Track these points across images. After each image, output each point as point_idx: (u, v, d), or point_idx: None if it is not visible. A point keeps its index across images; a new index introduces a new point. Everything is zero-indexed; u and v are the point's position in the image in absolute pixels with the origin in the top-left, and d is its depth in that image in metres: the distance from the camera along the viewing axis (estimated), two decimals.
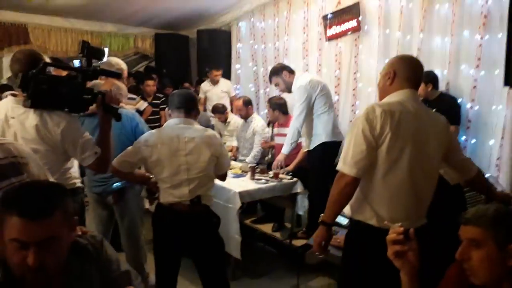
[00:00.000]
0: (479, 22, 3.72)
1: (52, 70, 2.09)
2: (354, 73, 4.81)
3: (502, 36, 3.53)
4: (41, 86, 1.90)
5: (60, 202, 1.10)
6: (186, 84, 6.57)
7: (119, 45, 6.57)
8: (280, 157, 3.77)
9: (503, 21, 3.52)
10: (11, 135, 1.97)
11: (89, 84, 2.16)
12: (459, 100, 3.86)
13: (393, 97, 1.85)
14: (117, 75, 2.22)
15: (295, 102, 3.70)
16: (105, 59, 2.19)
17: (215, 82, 6.03)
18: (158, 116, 5.87)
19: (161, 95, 5.95)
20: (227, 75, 6.57)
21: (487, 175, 3.14)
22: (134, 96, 5.57)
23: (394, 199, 1.79)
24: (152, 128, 5.81)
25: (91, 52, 2.08)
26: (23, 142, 1.95)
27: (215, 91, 6.00)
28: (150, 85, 5.78)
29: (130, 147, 2.34)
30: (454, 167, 1.96)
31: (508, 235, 1.18)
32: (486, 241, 1.19)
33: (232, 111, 5.53)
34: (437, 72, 3.97)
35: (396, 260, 1.26)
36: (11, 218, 1.03)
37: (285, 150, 3.74)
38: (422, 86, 3.74)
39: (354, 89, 4.83)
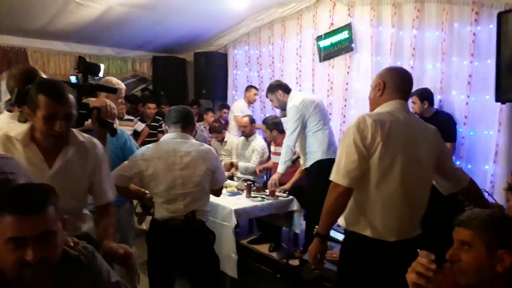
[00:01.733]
0: (468, 48, 3.86)
1: None
2: (345, 98, 4.92)
3: (491, 62, 3.61)
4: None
5: (51, 198, 1.12)
6: None
7: (117, 68, 6.66)
8: (275, 176, 3.77)
9: (491, 47, 3.61)
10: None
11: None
12: None
13: (384, 108, 1.88)
14: (113, 90, 2.26)
15: (288, 121, 3.74)
16: (101, 74, 2.23)
17: (252, 102, 5.96)
18: (156, 138, 5.89)
19: (159, 118, 6.00)
20: (223, 96, 6.66)
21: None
22: (131, 117, 5.63)
23: (387, 208, 1.79)
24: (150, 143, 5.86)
25: (87, 67, 2.13)
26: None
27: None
28: (151, 108, 5.83)
29: (126, 162, 2.35)
30: (446, 177, 1.97)
31: (498, 240, 1.19)
32: (476, 244, 1.19)
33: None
34: None
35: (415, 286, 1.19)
36: (3, 219, 1.04)
37: (280, 169, 3.75)
38: (418, 103, 3.82)
39: (344, 107, 4.91)
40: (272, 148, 4.40)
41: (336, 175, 1.79)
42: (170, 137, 2.39)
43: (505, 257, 1.17)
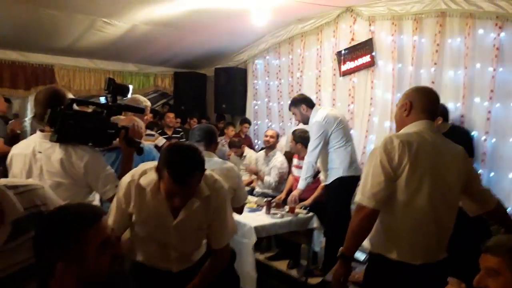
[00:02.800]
0: (491, 54, 3.78)
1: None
2: (369, 105, 4.86)
3: None
4: (68, 121, 1.99)
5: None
6: (203, 121, 6.70)
7: (139, 83, 6.82)
8: (295, 193, 3.75)
9: None
10: (37, 169, 2.04)
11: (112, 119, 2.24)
12: (473, 133, 3.85)
13: (411, 128, 1.86)
14: (140, 110, 2.32)
15: (311, 136, 3.75)
16: (129, 95, 2.29)
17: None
18: None
19: (180, 129, 6.09)
20: (242, 110, 6.72)
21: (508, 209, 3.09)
22: (152, 132, 5.73)
23: (414, 231, 1.76)
24: None
25: (116, 88, 2.19)
26: (48, 176, 2.04)
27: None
28: (171, 116, 5.96)
29: None
30: (473, 198, 1.92)
31: None
32: (503, 271, 1.16)
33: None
34: (451, 105, 4.00)
35: None
36: None
37: (300, 185, 3.74)
38: None
39: (367, 121, 4.87)
40: (295, 161, 4.35)
41: (362, 196, 1.77)
42: None
43: None
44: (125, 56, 6.27)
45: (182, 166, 1.61)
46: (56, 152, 2.02)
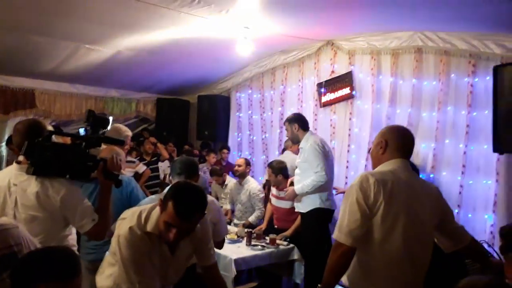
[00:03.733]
0: (465, 98, 3.99)
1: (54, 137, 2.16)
2: (348, 143, 4.98)
3: (488, 112, 3.71)
4: (46, 153, 1.96)
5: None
6: (186, 146, 6.68)
7: (121, 109, 6.77)
8: (291, 192, 3.74)
9: (488, 97, 3.70)
10: (12, 202, 2.00)
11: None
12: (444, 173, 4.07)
13: (386, 166, 1.91)
14: (120, 142, 2.30)
15: (311, 159, 3.69)
16: (109, 127, 2.29)
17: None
18: (158, 173, 5.93)
19: (158, 152, 6.07)
20: (225, 138, 6.74)
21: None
22: (133, 159, 5.68)
23: (390, 268, 1.79)
24: (152, 187, 5.86)
25: (96, 120, 2.18)
26: (23, 209, 1.99)
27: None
28: (150, 142, 5.92)
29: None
30: (448, 235, 1.97)
31: None
32: None
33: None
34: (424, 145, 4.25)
35: None
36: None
37: (298, 190, 3.69)
38: None
39: (347, 152, 4.96)
40: (274, 190, 4.34)
41: (339, 233, 1.79)
42: None
43: None
44: (107, 82, 6.25)
45: (189, 202, 1.72)
46: (32, 185, 1.99)
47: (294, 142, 3.98)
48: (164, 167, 6.07)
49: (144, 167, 5.70)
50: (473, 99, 3.97)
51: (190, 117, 7.29)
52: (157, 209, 1.83)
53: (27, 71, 5.40)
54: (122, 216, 2.00)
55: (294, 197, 3.77)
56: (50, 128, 2.13)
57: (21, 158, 2.04)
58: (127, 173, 5.44)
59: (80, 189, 2.14)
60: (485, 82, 3.88)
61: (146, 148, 5.91)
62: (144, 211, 1.88)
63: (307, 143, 3.75)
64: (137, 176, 5.68)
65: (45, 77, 5.68)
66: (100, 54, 4.95)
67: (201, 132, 6.87)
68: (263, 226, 4.21)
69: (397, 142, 1.94)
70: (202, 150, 6.74)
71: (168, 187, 2.49)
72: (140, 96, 7.00)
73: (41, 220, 1.99)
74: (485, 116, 3.83)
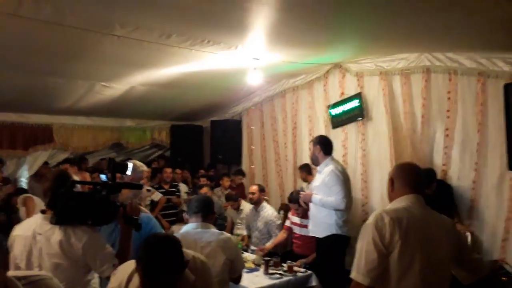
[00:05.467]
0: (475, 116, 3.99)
1: (79, 186, 2.26)
2: (362, 163, 4.97)
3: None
4: (68, 203, 2.05)
5: None
6: (203, 179, 6.58)
7: (136, 138, 6.94)
8: (308, 196, 3.77)
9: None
10: (37, 251, 2.08)
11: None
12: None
13: (399, 203, 1.94)
14: (139, 186, 2.38)
15: (330, 184, 3.67)
16: (129, 172, 2.37)
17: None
18: (174, 204, 5.99)
19: (177, 183, 6.14)
20: (238, 160, 6.82)
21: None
22: (149, 187, 5.76)
23: None
24: (166, 217, 5.90)
25: (115, 167, 2.27)
26: (47, 257, 2.07)
27: None
28: (168, 172, 6.01)
29: None
30: (465, 267, 1.97)
31: None
32: None
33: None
34: None
35: None
36: None
37: (316, 200, 3.69)
38: None
39: (362, 173, 4.95)
40: (297, 219, 4.32)
41: (357, 274, 1.81)
42: (191, 227, 2.47)
43: None
44: (122, 113, 6.43)
45: (155, 259, 1.52)
46: (56, 234, 2.07)
47: (313, 164, 3.99)
48: (183, 189, 6.18)
49: (160, 195, 5.78)
50: (482, 117, 3.95)
51: (204, 141, 7.41)
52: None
53: (45, 108, 5.61)
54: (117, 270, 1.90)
55: (308, 200, 3.79)
56: (76, 178, 2.22)
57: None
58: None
59: (101, 235, 2.21)
60: (495, 100, 3.86)
61: (164, 177, 5.99)
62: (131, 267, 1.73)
63: (326, 166, 3.75)
64: (153, 204, 5.77)
65: (62, 113, 5.88)
66: (114, 90, 5.12)
67: (215, 155, 6.96)
68: (268, 247, 4.21)
69: (402, 178, 1.97)
70: (208, 170, 6.81)
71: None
72: (155, 124, 7.16)
73: (64, 268, 2.06)
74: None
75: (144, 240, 1.65)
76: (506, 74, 3.78)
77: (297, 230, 4.28)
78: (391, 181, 1.99)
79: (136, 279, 1.66)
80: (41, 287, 1.42)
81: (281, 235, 4.44)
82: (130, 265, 1.78)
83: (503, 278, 2.90)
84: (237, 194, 5.55)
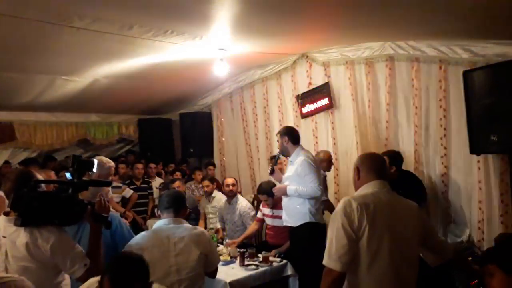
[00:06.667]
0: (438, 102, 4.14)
1: (43, 185, 2.18)
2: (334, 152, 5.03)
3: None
4: (32, 204, 1.97)
5: None
6: (177, 174, 6.54)
7: (103, 133, 6.74)
8: (282, 189, 3.74)
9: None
10: (2, 254, 2.00)
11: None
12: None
13: (365, 189, 2.00)
14: (107, 183, 2.32)
15: (303, 173, 3.65)
16: (94, 169, 2.31)
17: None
18: (147, 200, 5.90)
19: (149, 180, 6.05)
20: (210, 153, 6.78)
21: None
22: (119, 184, 5.64)
23: None
24: (140, 213, 5.81)
25: (80, 165, 2.20)
26: (14, 261, 2.00)
27: None
28: (139, 168, 5.91)
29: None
30: (432, 250, 2.06)
31: None
32: None
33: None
34: None
35: None
36: None
37: (291, 191, 3.67)
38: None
39: (334, 161, 5.04)
40: (268, 211, 4.31)
41: (329, 260, 1.85)
42: (163, 223, 2.43)
43: None
44: (87, 107, 6.22)
45: (126, 270, 1.60)
46: (21, 236, 1.99)
47: (283, 155, 3.98)
48: (155, 185, 6.09)
49: (131, 192, 5.68)
50: (446, 103, 4.10)
51: (174, 134, 7.30)
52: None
53: (4, 105, 5.34)
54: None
55: (282, 194, 3.77)
56: (40, 177, 2.13)
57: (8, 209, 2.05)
58: (114, 198, 5.42)
59: (69, 235, 2.15)
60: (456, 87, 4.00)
61: (136, 173, 5.88)
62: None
63: (297, 156, 3.77)
64: (124, 200, 5.66)
65: (23, 109, 5.63)
66: (77, 84, 4.95)
67: (186, 149, 6.89)
68: (238, 241, 4.24)
69: (367, 165, 2.05)
70: (180, 165, 6.75)
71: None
72: (121, 118, 6.98)
73: (32, 271, 1.99)
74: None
75: (111, 258, 1.68)
76: (465, 61, 3.94)
77: (269, 221, 4.31)
78: (357, 170, 2.06)
79: None
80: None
81: (252, 227, 4.44)
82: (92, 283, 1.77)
83: (469, 258, 3.05)
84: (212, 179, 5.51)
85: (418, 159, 4.32)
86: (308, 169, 3.64)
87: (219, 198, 5.25)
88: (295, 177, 3.72)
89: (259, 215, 4.44)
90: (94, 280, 1.79)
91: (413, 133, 4.35)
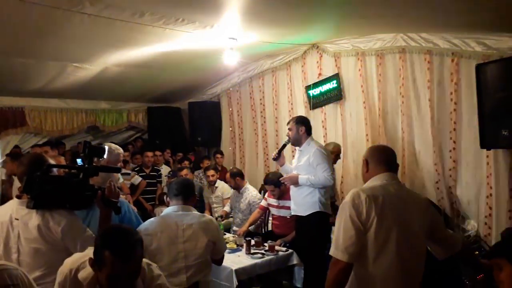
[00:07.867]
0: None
1: (55, 170, 2.21)
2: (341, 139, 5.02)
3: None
4: (45, 187, 2.01)
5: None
6: (180, 154, 6.65)
7: (112, 120, 6.79)
8: (294, 177, 3.73)
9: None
10: (15, 236, 2.05)
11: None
12: None
13: (376, 181, 1.99)
14: (117, 170, 2.35)
15: (316, 163, 3.65)
16: (105, 156, 2.33)
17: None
18: (155, 188, 5.96)
19: (159, 168, 6.10)
20: (218, 142, 6.80)
21: None
22: (128, 171, 5.70)
23: (386, 281, 1.86)
24: (149, 200, 5.87)
25: (92, 151, 2.23)
26: (26, 242, 2.04)
27: None
28: (149, 156, 5.96)
29: None
30: (439, 243, 2.05)
31: None
32: None
33: None
34: None
35: None
36: None
37: (302, 181, 3.67)
38: None
39: (343, 153, 5.02)
40: (273, 201, 4.31)
41: (336, 250, 1.86)
42: (172, 210, 2.47)
43: None
44: (97, 95, 6.27)
45: (122, 239, 1.58)
46: (33, 218, 2.03)
47: (294, 144, 3.95)
48: (164, 172, 6.15)
49: (140, 179, 5.73)
50: (457, 97, 4.06)
51: (182, 123, 7.32)
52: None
53: (15, 90, 5.40)
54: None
55: (293, 183, 3.76)
56: (52, 161, 2.16)
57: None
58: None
59: (80, 219, 2.19)
60: (468, 80, 3.95)
61: (146, 161, 5.93)
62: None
63: (310, 147, 3.75)
64: (133, 187, 5.71)
65: (34, 95, 5.69)
66: (87, 71, 4.97)
67: (194, 138, 6.92)
68: (244, 229, 4.27)
69: (376, 158, 2.04)
70: (188, 154, 6.78)
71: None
72: (131, 106, 7.02)
73: (43, 252, 2.04)
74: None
75: (99, 237, 1.65)
76: (478, 55, 3.88)
77: (275, 211, 4.32)
78: (366, 162, 2.06)
79: (85, 272, 1.64)
80: (3, 276, 1.40)
81: (254, 215, 4.47)
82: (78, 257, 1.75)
83: (476, 252, 3.04)
84: (216, 167, 5.54)
85: (426, 154, 4.28)
86: (321, 158, 3.65)
87: (222, 187, 5.29)
88: (306, 166, 3.72)
89: (263, 203, 4.46)
90: (78, 256, 1.76)
91: (425, 125, 4.31)
